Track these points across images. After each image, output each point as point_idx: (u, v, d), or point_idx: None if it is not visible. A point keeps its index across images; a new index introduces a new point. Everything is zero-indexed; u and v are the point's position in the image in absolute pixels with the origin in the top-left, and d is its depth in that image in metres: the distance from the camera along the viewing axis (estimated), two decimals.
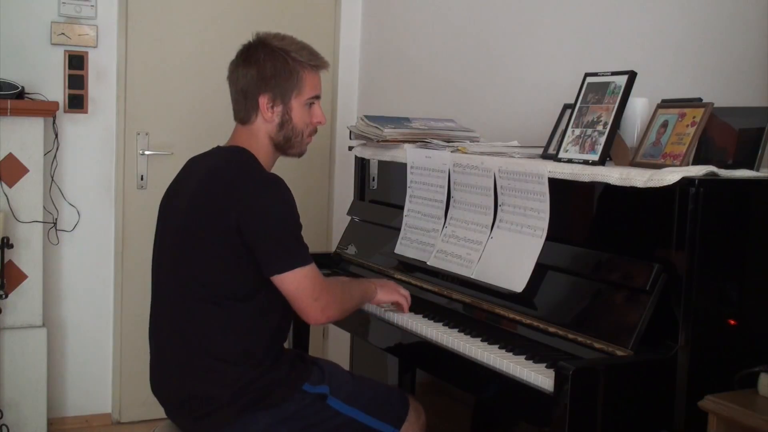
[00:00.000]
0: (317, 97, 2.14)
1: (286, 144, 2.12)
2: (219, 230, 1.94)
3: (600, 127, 2.01)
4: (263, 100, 2.06)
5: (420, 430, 2.20)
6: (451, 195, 2.36)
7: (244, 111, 2.10)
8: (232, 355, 1.98)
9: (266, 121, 2.08)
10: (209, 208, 1.97)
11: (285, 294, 1.98)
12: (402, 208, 2.55)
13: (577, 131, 2.07)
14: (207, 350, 1.98)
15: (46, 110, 3.36)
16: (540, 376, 1.74)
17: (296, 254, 1.96)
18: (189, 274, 1.99)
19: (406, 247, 2.50)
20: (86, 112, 3.56)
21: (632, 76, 2.00)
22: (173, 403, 2.08)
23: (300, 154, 2.18)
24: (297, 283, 1.95)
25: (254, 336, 2.00)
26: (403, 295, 2.26)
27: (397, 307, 2.27)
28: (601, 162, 1.97)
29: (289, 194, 1.99)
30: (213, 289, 1.97)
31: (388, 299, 2.25)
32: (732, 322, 1.75)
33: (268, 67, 2.06)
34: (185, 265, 2.00)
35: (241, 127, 2.12)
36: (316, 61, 2.12)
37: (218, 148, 2.15)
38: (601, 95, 2.05)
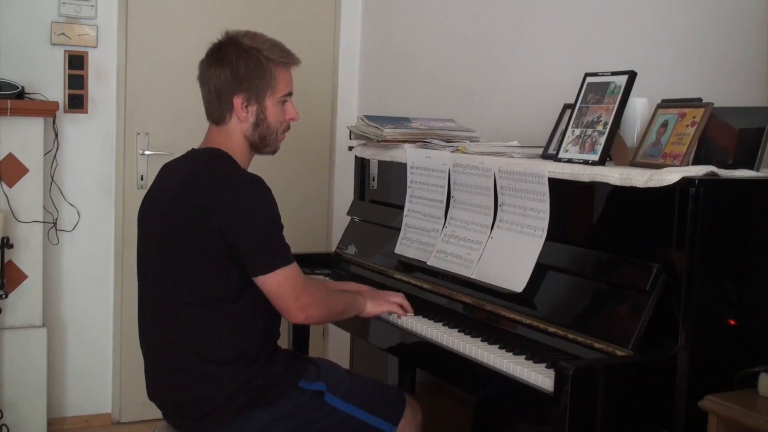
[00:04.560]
0: (290, 94, 2.12)
1: (261, 143, 2.11)
2: (201, 233, 1.93)
3: (600, 127, 2.01)
4: (238, 101, 2.05)
5: (416, 428, 2.20)
6: (451, 195, 2.36)
7: (218, 112, 2.08)
8: (224, 356, 1.98)
9: (241, 120, 2.07)
10: (190, 212, 1.96)
11: (266, 293, 1.98)
12: (402, 208, 2.54)
13: (577, 131, 2.07)
14: (199, 354, 1.97)
15: (46, 110, 3.36)
16: (540, 376, 1.74)
17: (278, 255, 1.96)
18: (175, 279, 1.99)
19: (406, 247, 2.50)
20: (86, 112, 3.56)
21: (632, 76, 2.00)
22: (170, 407, 2.08)
23: (274, 152, 2.18)
24: (279, 284, 1.95)
25: (245, 335, 2.00)
26: (395, 303, 2.23)
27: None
28: (601, 162, 1.97)
29: (270, 194, 1.98)
30: (200, 292, 1.97)
31: (378, 311, 2.23)
32: (732, 322, 1.75)
33: (242, 66, 2.03)
34: (170, 270, 2.00)
35: (216, 128, 2.11)
36: (287, 59, 2.10)
37: (193, 150, 2.13)
38: (601, 95, 2.05)
